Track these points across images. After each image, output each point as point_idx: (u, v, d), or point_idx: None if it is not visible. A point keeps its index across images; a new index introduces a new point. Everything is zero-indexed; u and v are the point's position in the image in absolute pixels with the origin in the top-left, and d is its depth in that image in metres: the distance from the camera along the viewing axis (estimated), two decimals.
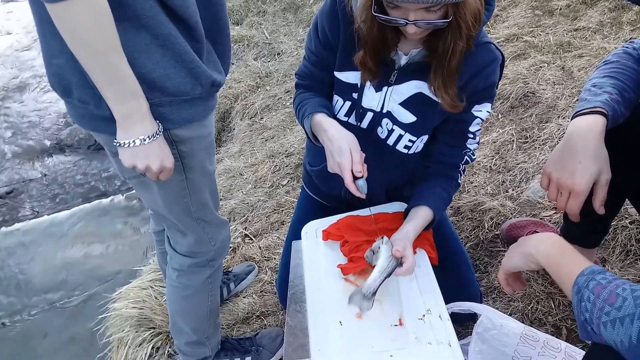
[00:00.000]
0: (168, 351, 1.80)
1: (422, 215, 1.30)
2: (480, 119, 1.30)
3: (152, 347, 1.82)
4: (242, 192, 2.52)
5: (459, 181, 1.40)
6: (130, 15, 0.91)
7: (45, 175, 3.46)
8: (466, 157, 1.37)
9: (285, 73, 3.44)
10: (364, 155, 1.21)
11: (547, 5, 2.85)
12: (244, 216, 2.35)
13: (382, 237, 1.20)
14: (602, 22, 2.56)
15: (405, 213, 1.35)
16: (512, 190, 1.96)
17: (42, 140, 3.78)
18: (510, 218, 1.85)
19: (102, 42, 0.88)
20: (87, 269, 2.72)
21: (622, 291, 0.79)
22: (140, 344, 1.83)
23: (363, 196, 1.21)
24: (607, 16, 2.58)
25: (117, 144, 1.01)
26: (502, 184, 2.00)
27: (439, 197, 1.35)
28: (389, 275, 1.16)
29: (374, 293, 1.15)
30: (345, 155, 1.17)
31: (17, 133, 3.88)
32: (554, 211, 1.84)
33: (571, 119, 1.11)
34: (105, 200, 3.22)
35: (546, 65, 2.40)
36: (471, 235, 1.86)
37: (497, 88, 1.30)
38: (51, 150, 3.69)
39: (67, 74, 0.99)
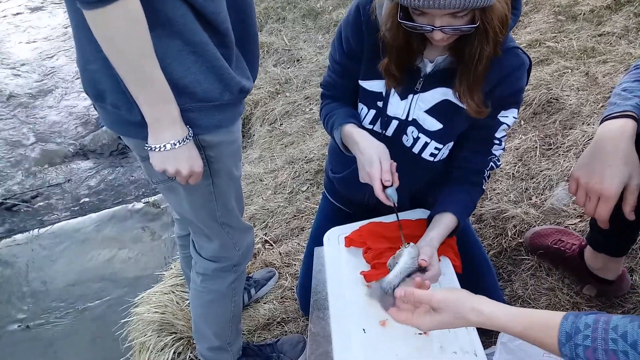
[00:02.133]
0: (189, 356, 1.81)
1: (445, 222, 1.29)
2: (507, 124, 1.29)
3: (174, 352, 1.83)
4: (262, 198, 2.53)
5: (484, 187, 1.39)
6: (164, 21, 0.93)
7: (68, 180, 3.52)
8: (491, 163, 1.36)
9: (304, 79, 3.45)
10: (394, 164, 1.21)
11: (570, 10, 2.82)
12: (264, 222, 2.35)
13: (408, 244, 1.19)
14: (627, 27, 2.52)
15: (429, 219, 1.34)
16: (536, 197, 1.93)
17: (65, 145, 3.84)
18: (534, 226, 1.82)
19: (136, 48, 0.90)
20: (109, 274, 2.75)
21: (615, 343, 0.72)
22: (162, 349, 1.85)
23: (392, 205, 1.20)
24: (633, 21, 2.54)
25: (148, 148, 1.03)
26: (525, 192, 1.97)
27: (462, 204, 1.34)
28: (409, 275, 1.15)
29: (394, 289, 1.13)
30: (375, 165, 1.18)
31: (41, 139, 3.95)
32: (579, 219, 1.81)
33: (600, 123, 1.10)
34: (127, 206, 3.26)
35: (570, 71, 2.37)
36: (494, 243, 1.84)
37: (523, 93, 1.29)
38: (74, 155, 3.75)
39: (101, 79, 1.02)
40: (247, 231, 1.43)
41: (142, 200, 3.27)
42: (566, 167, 1.97)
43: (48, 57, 5.08)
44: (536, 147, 2.11)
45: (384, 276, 1.29)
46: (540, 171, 2.01)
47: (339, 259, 1.40)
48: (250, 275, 2.01)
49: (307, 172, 2.59)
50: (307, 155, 2.70)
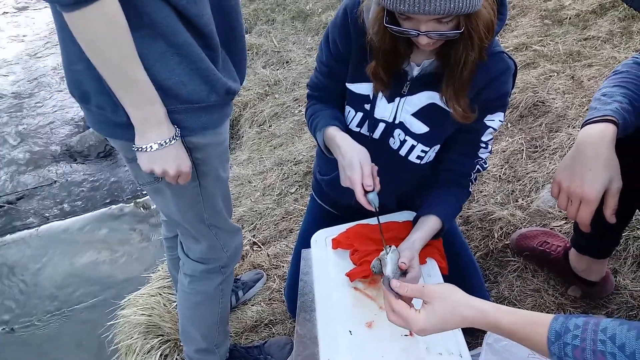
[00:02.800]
0: (176, 359, 1.80)
1: (430, 225, 1.30)
2: (493, 128, 1.30)
3: (161, 355, 1.82)
4: (250, 199, 2.53)
5: (470, 190, 1.40)
6: (146, 23, 0.93)
7: (54, 182, 3.49)
8: (477, 165, 1.37)
9: (293, 81, 3.46)
10: (376, 168, 1.21)
11: (557, 14, 2.85)
12: (253, 224, 2.35)
13: (390, 247, 1.20)
14: (612, 31, 2.56)
15: (414, 221, 1.35)
16: (522, 199, 1.95)
17: (52, 147, 3.81)
18: (520, 228, 1.84)
19: (116, 50, 0.89)
20: (96, 276, 2.73)
21: (604, 345, 0.73)
22: (149, 352, 1.84)
23: (374, 209, 1.21)
24: (617, 25, 2.57)
25: (136, 149, 1.03)
26: (511, 194, 1.99)
27: (448, 206, 1.35)
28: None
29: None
30: (356, 169, 1.18)
31: (27, 139, 3.91)
32: (564, 221, 1.83)
33: (581, 128, 1.11)
34: (114, 207, 3.24)
35: (556, 74, 2.40)
36: (481, 245, 1.86)
37: (509, 97, 1.30)
38: (61, 157, 3.72)
39: (85, 80, 1.01)
40: (235, 233, 1.43)
41: (131, 201, 3.25)
42: (552, 169, 1.99)
43: (35, 57, 5.04)
44: (522, 149, 2.13)
45: (371, 279, 1.31)
46: (527, 173, 2.03)
47: (326, 260, 1.40)
48: (238, 277, 2.01)
49: (295, 173, 2.60)
50: (296, 157, 2.70)
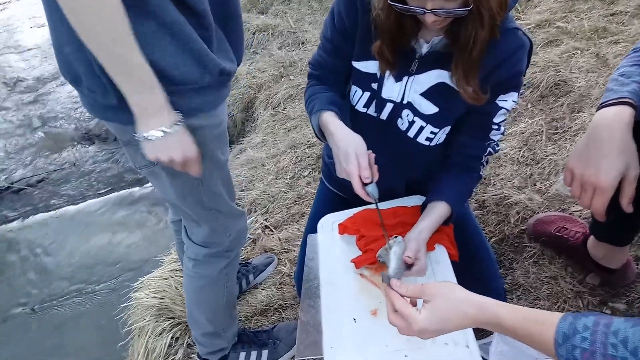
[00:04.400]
0: (187, 342, 1.82)
1: (438, 212, 1.25)
2: (506, 109, 1.24)
3: (172, 337, 1.83)
4: (263, 183, 2.51)
5: (481, 173, 1.34)
6: (137, 2, 0.89)
7: (74, 164, 3.53)
8: (489, 148, 1.31)
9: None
10: (373, 156, 1.16)
11: None
12: (265, 207, 2.33)
13: (396, 237, 1.16)
14: None
15: (422, 207, 1.31)
16: (540, 183, 1.88)
17: (71, 130, 3.86)
18: (538, 213, 1.78)
19: (108, 33, 0.86)
20: (114, 257, 2.77)
21: (615, 349, 0.68)
22: (160, 334, 1.85)
23: (373, 201, 1.16)
24: None
25: (138, 138, 0.99)
26: (529, 177, 1.92)
27: (457, 192, 1.30)
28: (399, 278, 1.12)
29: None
30: (351, 161, 1.12)
31: (48, 123, 3.97)
32: None
33: (596, 111, 1.04)
34: (132, 190, 3.27)
35: (579, 52, 2.29)
36: (496, 230, 1.80)
37: (524, 76, 1.23)
38: (80, 139, 3.76)
39: (75, 62, 0.99)
40: (238, 216, 1.41)
41: (146, 184, 3.27)
42: None
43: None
44: (542, 131, 2.05)
45: (377, 266, 1.27)
46: (546, 156, 1.95)
47: (332, 246, 1.37)
48: (249, 261, 2.00)
49: (309, 156, 2.56)
50: (310, 140, 2.66)
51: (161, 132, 0.98)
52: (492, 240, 1.77)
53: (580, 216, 1.72)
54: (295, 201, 2.31)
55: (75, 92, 4.19)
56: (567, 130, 2.00)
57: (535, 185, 1.88)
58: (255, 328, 1.76)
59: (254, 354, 1.66)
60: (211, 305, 1.50)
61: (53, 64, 4.69)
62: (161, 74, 0.97)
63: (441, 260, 1.27)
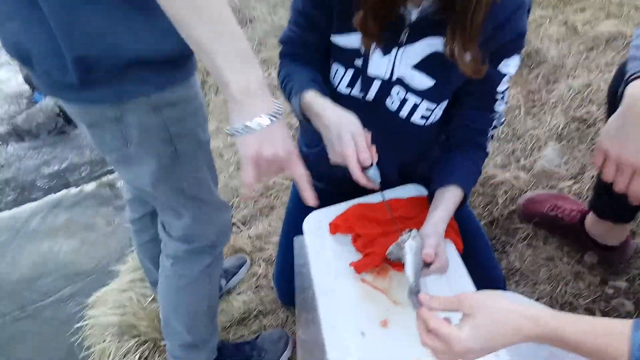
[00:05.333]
0: None
1: (451, 198, 1.11)
2: (509, 75, 1.11)
3: (139, 358, 1.62)
4: (224, 175, 2.30)
5: (488, 150, 1.22)
6: None
7: (1, 165, 3.15)
8: (494, 121, 1.18)
9: (259, 42, 3.18)
10: (369, 134, 1.00)
11: None
12: (229, 202, 2.13)
13: (410, 230, 1.01)
14: None
15: (430, 197, 1.17)
16: (524, 159, 1.80)
17: None
18: (526, 191, 1.69)
19: (216, 3, 0.71)
20: (59, 268, 2.47)
21: None
22: (125, 355, 1.64)
23: (376, 187, 1.01)
24: None
25: (235, 132, 0.79)
26: (512, 154, 1.83)
27: (467, 172, 1.16)
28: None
29: (419, 289, 0.95)
30: (347, 143, 0.95)
31: None
32: (572, 181, 1.69)
33: (626, 83, 0.93)
34: (72, 190, 2.95)
35: (548, 20, 2.22)
36: (484, 212, 1.71)
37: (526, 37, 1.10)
38: (7, 137, 3.36)
39: (24, 40, 0.80)
40: (222, 208, 1.26)
41: (91, 182, 2.96)
42: (554, 124, 1.83)
43: None
44: (520, 104, 1.96)
45: (380, 268, 1.13)
46: (527, 131, 1.87)
47: (324, 249, 1.21)
48: None
49: None
50: None
51: (270, 118, 0.78)
52: (482, 223, 1.67)
53: (570, 192, 1.65)
54: (262, 193, 2.13)
55: (5, 83, 3.74)
56: (545, 103, 1.92)
57: (519, 162, 1.80)
58: (236, 340, 1.58)
59: None
60: (191, 310, 1.33)
61: None
62: (134, 57, 0.83)
63: (451, 255, 1.13)
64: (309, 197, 0.92)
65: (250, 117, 0.77)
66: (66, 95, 0.91)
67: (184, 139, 1.02)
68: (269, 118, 0.78)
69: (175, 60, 0.89)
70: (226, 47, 0.73)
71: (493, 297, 0.74)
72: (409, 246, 0.98)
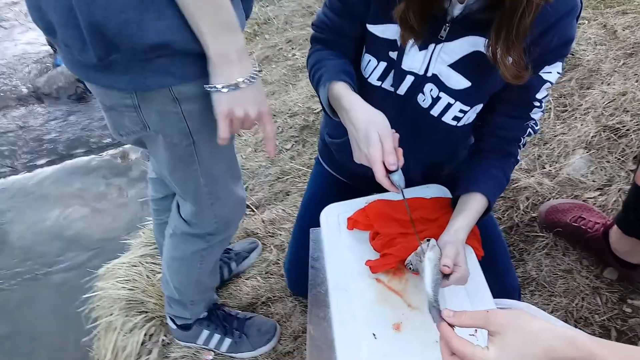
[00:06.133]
0: (162, 339, 1.61)
1: (474, 206, 1.07)
2: (550, 82, 1.05)
3: (145, 334, 1.63)
4: (241, 155, 2.28)
5: (519, 158, 1.17)
6: None
7: (21, 127, 3.16)
8: (529, 129, 1.13)
9: (286, 20, 3.12)
10: (397, 136, 0.96)
11: None
12: (245, 184, 2.11)
13: (428, 240, 0.98)
14: None
15: (453, 202, 1.13)
16: (550, 166, 1.74)
17: (17, 88, 3.44)
18: (549, 198, 1.65)
19: None
20: (70, 235, 2.49)
21: None
22: (131, 330, 1.64)
23: (399, 192, 0.97)
24: None
25: (213, 88, 0.88)
26: (538, 159, 1.78)
27: (494, 181, 1.12)
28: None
29: (438, 303, 0.92)
30: (374, 144, 0.92)
31: None
32: (598, 192, 1.64)
33: None
34: (88, 157, 2.95)
35: (586, 22, 2.14)
36: (504, 217, 1.66)
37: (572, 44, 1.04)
38: (28, 99, 3.37)
39: (48, 9, 0.79)
40: (236, 206, 1.24)
41: (107, 151, 2.96)
42: (584, 132, 1.77)
43: None
44: (550, 108, 1.90)
45: (395, 269, 1.10)
46: (555, 136, 1.81)
47: (340, 244, 1.18)
48: (230, 247, 1.79)
49: (291, 127, 2.33)
50: (291, 108, 2.43)
51: (246, 81, 0.87)
52: (501, 228, 1.63)
53: (595, 204, 1.60)
54: (278, 178, 2.10)
55: (19, 43, 3.74)
56: (577, 109, 1.86)
57: (544, 167, 1.75)
58: (231, 310, 1.58)
59: (216, 337, 1.54)
60: (180, 278, 1.38)
61: None
62: (157, 39, 0.80)
63: (470, 265, 1.10)
64: (270, 150, 1.02)
65: (226, 79, 0.87)
66: (86, 75, 0.89)
67: (203, 133, 1.01)
68: (244, 81, 0.87)
69: (201, 54, 0.87)
70: (211, 18, 0.80)
71: (526, 316, 0.71)
72: (427, 258, 0.95)
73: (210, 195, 1.14)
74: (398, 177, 0.95)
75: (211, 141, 1.02)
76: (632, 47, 1.95)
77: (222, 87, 0.87)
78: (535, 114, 1.11)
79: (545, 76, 1.04)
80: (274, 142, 1.01)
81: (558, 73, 1.05)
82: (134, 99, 0.91)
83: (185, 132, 0.99)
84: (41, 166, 2.91)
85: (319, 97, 1.10)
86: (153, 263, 1.81)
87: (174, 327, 1.53)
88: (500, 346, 0.69)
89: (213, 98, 0.90)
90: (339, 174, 1.47)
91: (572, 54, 2.02)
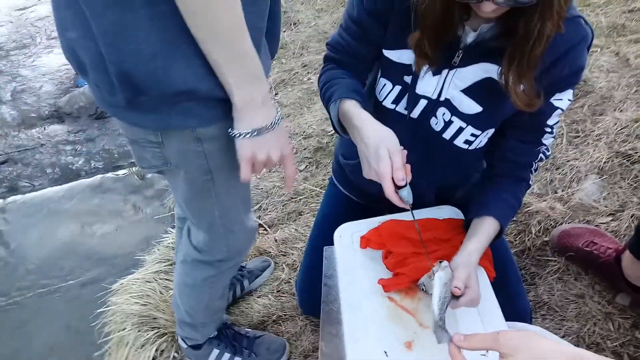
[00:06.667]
0: (173, 355, 1.62)
1: (487, 229, 1.09)
2: (561, 109, 1.08)
3: (156, 350, 1.64)
4: (255, 176, 2.31)
5: (530, 182, 1.19)
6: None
7: (42, 145, 3.24)
8: (540, 154, 1.15)
9: (302, 45, 3.19)
10: (405, 152, 0.98)
11: None
12: (258, 203, 2.14)
13: (441, 262, 0.99)
14: None
15: (466, 224, 1.15)
16: (562, 191, 1.75)
17: (39, 107, 3.54)
18: (561, 223, 1.65)
19: (229, 20, 0.77)
20: (84, 251, 2.52)
21: None
22: (143, 345, 1.65)
23: (408, 207, 0.99)
24: None
25: (237, 135, 0.90)
26: (550, 184, 1.79)
27: (506, 205, 1.14)
28: (446, 306, 0.96)
29: (444, 324, 0.94)
30: (384, 160, 0.95)
31: (12, 98, 3.63)
32: (610, 217, 1.64)
33: None
34: (105, 175, 3.00)
35: (599, 50, 2.17)
36: (516, 241, 1.67)
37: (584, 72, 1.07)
38: (49, 118, 3.45)
39: (80, 51, 0.82)
40: (247, 236, 1.27)
41: (124, 169, 3.01)
42: (596, 157, 1.78)
43: (24, 8, 4.69)
44: (562, 133, 1.92)
45: (408, 288, 1.11)
46: (567, 161, 1.83)
47: (354, 262, 1.20)
48: (243, 264, 1.81)
49: (305, 149, 2.37)
50: (305, 131, 2.47)
51: (268, 128, 0.90)
52: (513, 251, 1.63)
53: (607, 229, 1.60)
54: (292, 198, 2.13)
55: (43, 65, 3.86)
56: (589, 135, 1.88)
57: (556, 192, 1.76)
58: (241, 329, 1.58)
59: (226, 356, 1.53)
60: (191, 302, 1.40)
61: (20, 32, 4.31)
62: (183, 87, 0.84)
63: (483, 285, 1.11)
64: (288, 188, 1.06)
65: (249, 125, 0.88)
66: (114, 112, 0.92)
67: (221, 172, 1.03)
68: (267, 127, 0.89)
69: (225, 99, 0.89)
70: (237, 69, 0.83)
71: (536, 337, 0.72)
72: (438, 277, 0.96)
73: (224, 227, 1.17)
74: (407, 193, 0.97)
75: (229, 178, 1.05)
76: None
77: (246, 134, 0.89)
78: (547, 140, 1.13)
79: (556, 103, 1.07)
80: (293, 182, 1.04)
81: (569, 100, 1.08)
82: (157, 136, 0.94)
83: (205, 168, 1.01)
84: (59, 183, 2.96)
85: (329, 114, 1.13)
86: (167, 279, 1.83)
87: (185, 346, 1.54)
88: None
89: (236, 142, 0.92)
90: (353, 195, 1.49)
91: (585, 81, 2.04)
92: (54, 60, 3.96)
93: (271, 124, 0.90)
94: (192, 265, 1.31)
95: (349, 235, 1.26)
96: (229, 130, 0.91)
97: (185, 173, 1.02)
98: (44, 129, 3.36)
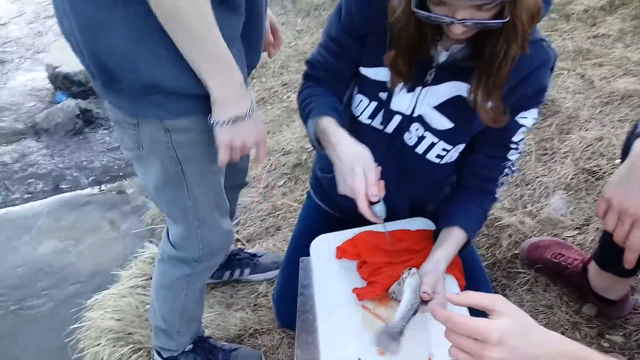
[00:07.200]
0: None
1: (454, 239, 1.14)
2: (526, 127, 1.14)
3: None
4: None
5: (497, 196, 1.24)
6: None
7: (16, 161, 3.20)
8: (506, 169, 1.21)
9: (282, 65, 3.25)
10: (379, 169, 1.03)
11: (563, 9, 2.72)
12: (237, 218, 2.16)
13: (410, 269, 1.03)
14: (622, 29, 2.44)
15: (435, 234, 1.19)
16: (531, 205, 1.82)
17: (14, 122, 3.51)
18: (530, 237, 1.71)
19: (199, 18, 0.85)
20: (59, 268, 2.49)
21: None
22: None
23: (381, 222, 1.03)
24: (629, 24, 2.46)
25: (215, 123, 0.98)
26: (520, 199, 1.86)
27: (472, 216, 1.19)
28: (415, 312, 1.00)
29: (401, 333, 0.98)
30: (358, 176, 0.99)
31: None
32: (577, 231, 1.70)
33: (636, 136, 0.97)
34: (82, 191, 2.98)
35: (566, 72, 2.27)
36: (487, 254, 1.72)
37: (547, 92, 1.14)
38: (24, 134, 3.42)
39: (71, 37, 0.92)
40: (222, 237, 1.28)
41: (101, 186, 3.00)
42: (563, 174, 1.86)
43: (3, 24, 4.67)
44: (532, 151, 1.99)
45: (381, 297, 1.14)
46: (536, 177, 1.90)
47: (329, 272, 1.23)
48: (257, 253, 1.86)
49: (284, 165, 2.40)
50: (284, 147, 2.51)
51: (241, 117, 0.97)
52: (484, 264, 1.68)
53: (573, 242, 1.66)
54: (270, 213, 2.15)
55: (21, 80, 3.83)
56: (557, 152, 1.95)
57: (526, 207, 1.82)
58: (216, 342, 1.58)
59: None
60: (167, 305, 1.40)
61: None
62: (150, 81, 0.92)
63: (453, 292, 1.15)
64: (259, 167, 1.10)
65: (226, 115, 0.96)
66: (100, 91, 1.01)
67: (192, 163, 1.08)
68: (242, 116, 0.97)
69: (193, 95, 0.97)
70: (210, 65, 0.90)
71: (531, 326, 0.72)
72: (407, 284, 1.00)
73: (197, 217, 1.19)
74: (380, 209, 1.01)
75: (199, 170, 1.10)
76: (608, 96, 2.07)
77: (223, 122, 0.97)
78: (512, 155, 1.19)
79: (521, 121, 1.13)
80: (263, 161, 1.12)
81: (534, 118, 1.14)
82: (134, 118, 1.01)
83: (174, 159, 1.06)
84: (35, 199, 2.93)
85: (307, 129, 1.18)
86: (143, 294, 1.83)
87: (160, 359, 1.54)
88: (506, 320, 0.69)
89: (215, 130, 1.00)
90: (330, 208, 1.53)
91: (552, 102, 2.13)
92: (32, 77, 3.94)
93: (246, 112, 0.98)
94: (169, 263, 1.32)
95: (325, 247, 1.29)
96: (208, 118, 0.98)
97: (156, 160, 1.06)
98: (19, 144, 3.33)
